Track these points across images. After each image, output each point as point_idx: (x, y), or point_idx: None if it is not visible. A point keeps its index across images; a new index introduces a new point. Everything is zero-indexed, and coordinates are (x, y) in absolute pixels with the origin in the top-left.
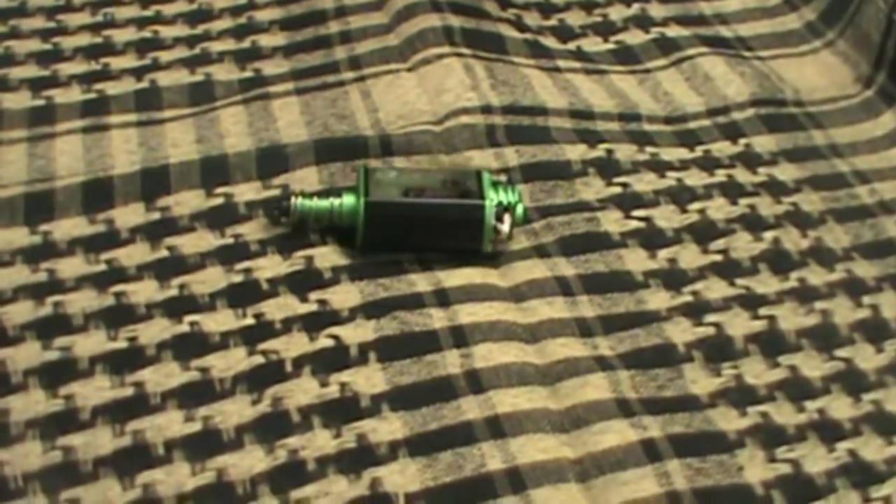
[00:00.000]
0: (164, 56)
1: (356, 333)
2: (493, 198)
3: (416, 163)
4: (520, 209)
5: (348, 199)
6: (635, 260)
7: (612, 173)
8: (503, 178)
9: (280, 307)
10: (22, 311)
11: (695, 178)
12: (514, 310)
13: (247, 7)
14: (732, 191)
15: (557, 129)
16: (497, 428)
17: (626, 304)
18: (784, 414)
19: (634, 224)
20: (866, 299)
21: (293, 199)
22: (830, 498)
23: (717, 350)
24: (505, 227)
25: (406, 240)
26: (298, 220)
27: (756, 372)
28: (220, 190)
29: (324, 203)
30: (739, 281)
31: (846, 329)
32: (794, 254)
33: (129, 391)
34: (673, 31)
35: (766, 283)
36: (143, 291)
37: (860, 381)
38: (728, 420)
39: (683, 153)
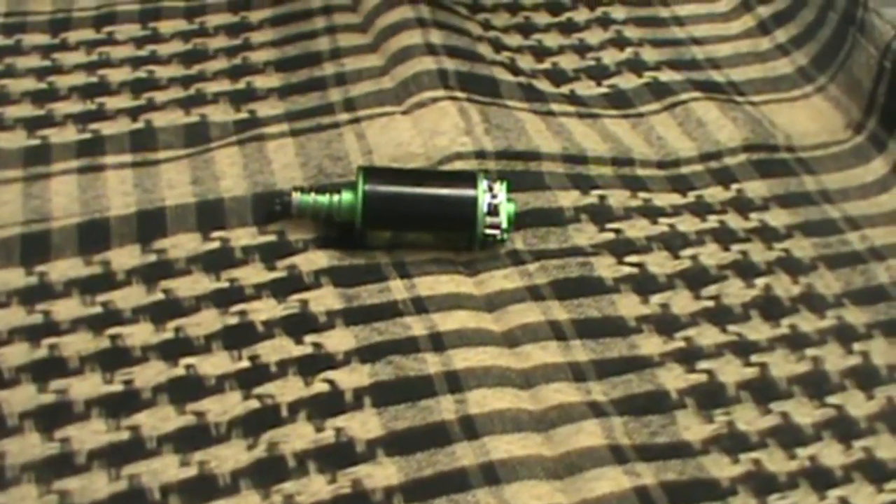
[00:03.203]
0: (160, 96)
1: (351, 378)
2: (485, 190)
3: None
4: (511, 207)
5: (347, 196)
6: (628, 305)
7: (605, 220)
8: (498, 185)
9: (275, 349)
10: (17, 354)
11: (687, 224)
12: (507, 355)
13: (242, 48)
14: (724, 237)
15: (550, 175)
16: (491, 474)
17: (618, 349)
18: (776, 461)
19: (627, 269)
20: (857, 346)
21: (294, 194)
22: None
23: (710, 396)
24: (499, 220)
25: (402, 225)
26: (297, 214)
27: (748, 419)
28: (216, 234)
29: (322, 198)
30: (731, 327)
31: (837, 376)
32: (785, 300)
33: (124, 435)
34: (666, 76)
35: (757, 330)
36: (139, 334)
37: (851, 429)
38: (720, 467)
39: (676, 199)
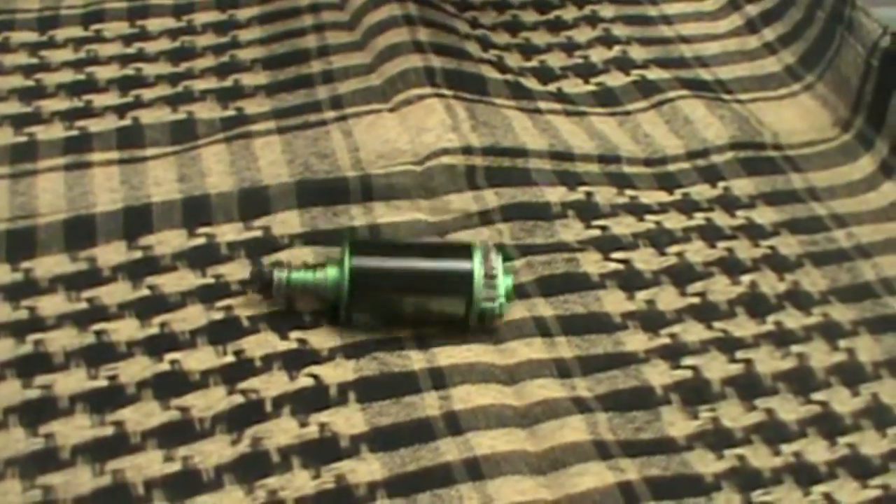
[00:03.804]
0: (147, 94)
1: (336, 373)
2: (480, 265)
3: (397, 209)
4: (509, 280)
5: (332, 271)
6: (614, 301)
7: (592, 216)
8: (494, 255)
9: (260, 344)
10: (2, 349)
11: (673, 222)
12: (492, 351)
13: (230, 46)
14: (710, 234)
15: (537, 171)
16: (475, 470)
17: (604, 346)
18: (760, 457)
19: (613, 266)
20: (842, 343)
21: (276, 273)
22: None
23: (695, 393)
24: (496, 293)
25: (392, 309)
26: (277, 294)
27: (733, 415)
28: (201, 230)
29: (307, 275)
30: (717, 324)
31: (822, 373)
32: (771, 297)
33: (109, 430)
34: (653, 74)
35: (743, 327)
36: (124, 330)
37: (836, 425)
38: (705, 463)
39: (662, 196)
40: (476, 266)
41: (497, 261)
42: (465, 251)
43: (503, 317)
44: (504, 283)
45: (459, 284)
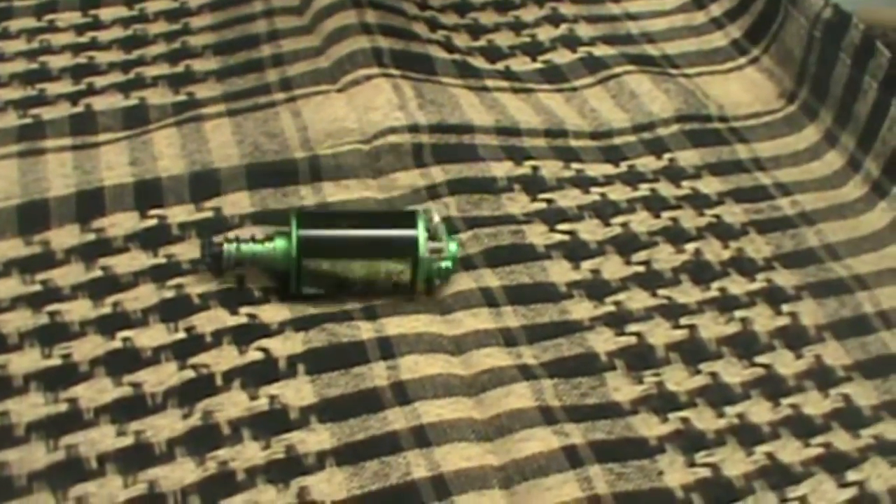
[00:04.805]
0: (99, 81)
1: (285, 346)
2: (424, 230)
3: (345, 188)
4: (453, 245)
5: (280, 242)
6: (559, 271)
7: (538, 190)
8: (436, 218)
9: (210, 320)
10: None
11: (618, 193)
12: (439, 322)
13: (181, 33)
14: (655, 204)
15: (484, 147)
16: (422, 437)
17: (549, 315)
18: (704, 419)
19: (559, 237)
20: (786, 307)
21: (225, 245)
22: (749, 499)
23: (639, 358)
24: (441, 244)
25: (340, 277)
26: (227, 267)
27: (677, 379)
28: (153, 212)
29: (256, 246)
30: (661, 291)
31: (766, 336)
32: (715, 264)
33: (63, 407)
34: (600, 51)
35: (687, 293)
36: (78, 310)
37: (779, 387)
38: (649, 426)
39: (608, 169)
40: (420, 230)
41: (441, 226)
42: (410, 217)
43: (448, 279)
44: (449, 246)
45: (405, 248)
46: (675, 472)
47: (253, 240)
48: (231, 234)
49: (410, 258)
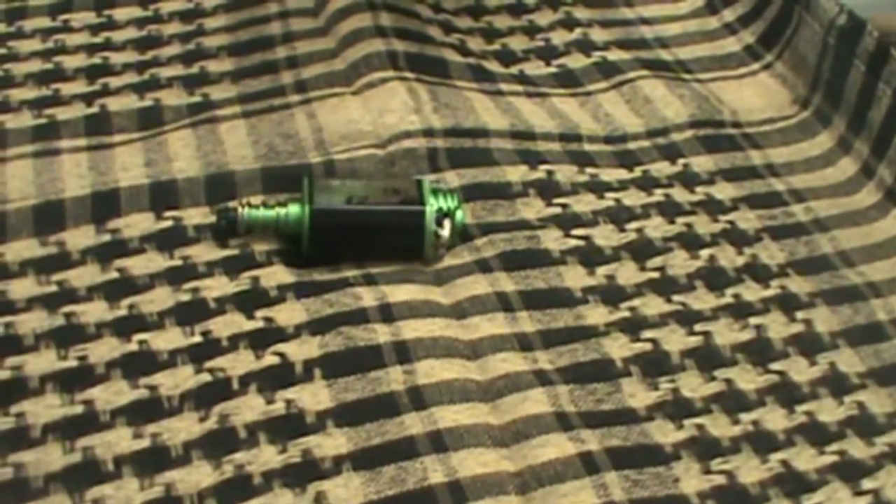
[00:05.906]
0: (114, 82)
1: (301, 350)
2: (433, 203)
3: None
4: (459, 214)
5: (293, 209)
6: (574, 277)
7: (552, 194)
8: (442, 185)
9: (227, 324)
10: None
11: (633, 198)
12: (455, 326)
13: (196, 33)
14: (670, 210)
15: (499, 151)
16: (439, 442)
17: (565, 320)
18: (719, 426)
19: (573, 242)
20: (800, 314)
21: (240, 209)
22: None
23: (654, 364)
24: (445, 231)
25: (350, 246)
26: (246, 230)
27: (692, 385)
28: (169, 213)
29: (270, 213)
30: (676, 297)
31: (780, 343)
32: (729, 270)
33: (78, 409)
34: (614, 55)
35: (701, 300)
36: (93, 311)
37: (794, 394)
38: (665, 433)
39: (622, 174)
40: (428, 209)
41: (452, 199)
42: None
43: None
44: (455, 217)
45: (413, 220)
46: (690, 479)
47: (265, 205)
48: (244, 200)
49: (419, 222)
